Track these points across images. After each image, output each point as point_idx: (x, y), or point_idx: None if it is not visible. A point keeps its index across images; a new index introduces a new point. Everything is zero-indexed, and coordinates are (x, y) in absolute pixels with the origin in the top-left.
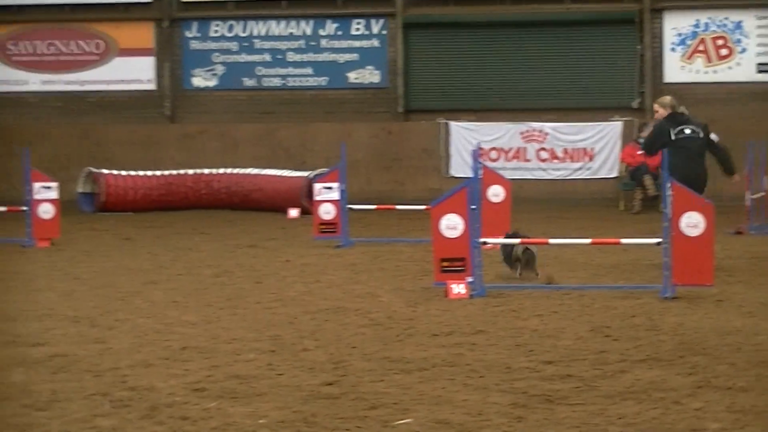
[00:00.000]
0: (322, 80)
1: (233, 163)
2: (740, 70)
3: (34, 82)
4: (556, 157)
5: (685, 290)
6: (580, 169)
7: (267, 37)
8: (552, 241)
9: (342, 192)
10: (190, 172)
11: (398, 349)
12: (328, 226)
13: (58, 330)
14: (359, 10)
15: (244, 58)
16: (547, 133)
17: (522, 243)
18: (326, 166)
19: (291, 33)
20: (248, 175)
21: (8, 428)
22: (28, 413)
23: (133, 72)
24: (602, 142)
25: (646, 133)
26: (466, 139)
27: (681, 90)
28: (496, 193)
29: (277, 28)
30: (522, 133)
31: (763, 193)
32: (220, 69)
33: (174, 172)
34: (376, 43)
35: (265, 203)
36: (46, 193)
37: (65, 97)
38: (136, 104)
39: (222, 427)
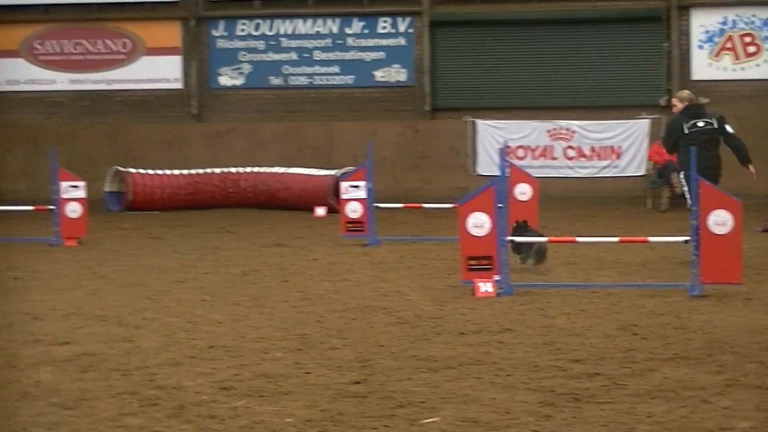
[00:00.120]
0: (349, 79)
1: (260, 162)
2: None
3: (62, 81)
4: (584, 155)
5: (713, 288)
6: (607, 167)
7: (293, 36)
8: (579, 239)
9: (369, 190)
10: (217, 170)
11: (426, 347)
12: (355, 225)
13: (86, 329)
14: (386, 9)
15: (271, 56)
16: (574, 131)
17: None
18: (353, 164)
19: (317, 31)
20: (275, 173)
21: (36, 427)
22: (56, 412)
23: (160, 71)
24: (629, 140)
25: None
26: (493, 137)
27: (708, 87)
28: (523, 192)
29: (303, 26)
30: (549, 131)
31: None
32: (246, 68)
33: (201, 171)
34: (402, 41)
35: (292, 202)
36: (73, 192)
37: (92, 97)
38: (163, 103)
39: (250, 425)
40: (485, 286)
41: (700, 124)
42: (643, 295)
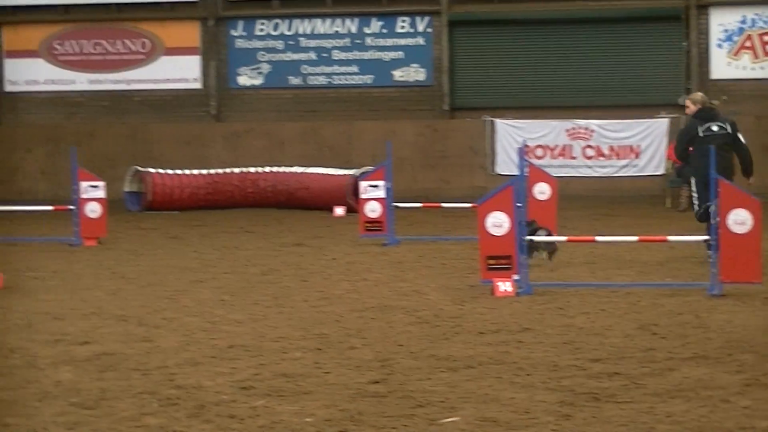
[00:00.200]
0: (368, 78)
1: (279, 162)
2: None
3: (81, 81)
4: (602, 155)
5: (732, 288)
6: (626, 166)
7: (312, 36)
8: (599, 238)
9: (388, 190)
10: (236, 170)
11: (445, 347)
12: (374, 224)
13: (106, 328)
14: (404, 8)
15: (290, 56)
16: (593, 131)
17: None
18: (372, 164)
19: (336, 31)
20: (294, 173)
21: (56, 426)
22: (77, 411)
23: (179, 71)
24: (648, 139)
25: None
26: (512, 136)
27: (728, 86)
28: (542, 191)
29: (322, 26)
30: (568, 131)
31: None
32: (265, 67)
33: (220, 170)
34: (421, 41)
35: (311, 201)
36: (93, 192)
37: (112, 97)
38: (182, 103)
39: (269, 425)
40: (504, 286)
41: (714, 128)
42: (663, 295)
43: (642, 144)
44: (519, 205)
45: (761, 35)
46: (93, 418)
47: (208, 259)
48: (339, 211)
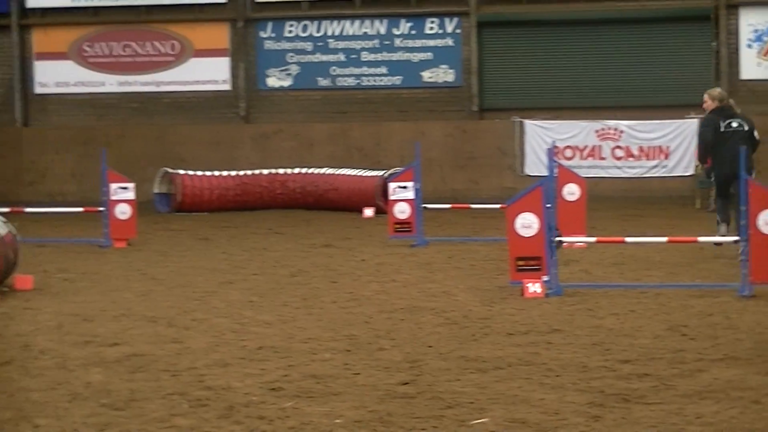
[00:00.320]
0: (396, 79)
1: (308, 163)
2: None
3: (111, 83)
4: (632, 155)
5: (763, 288)
6: (655, 167)
7: (341, 37)
8: (628, 239)
9: (417, 191)
10: (265, 172)
11: (474, 348)
12: (403, 226)
13: (136, 330)
14: (433, 9)
15: (319, 57)
16: (622, 131)
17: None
18: (401, 165)
19: (365, 32)
20: (323, 174)
21: (87, 427)
22: (107, 412)
23: (208, 72)
24: (678, 140)
25: None
26: (541, 137)
27: (757, 87)
28: (571, 192)
29: (351, 27)
30: (597, 131)
31: None
32: (294, 69)
33: (249, 172)
34: (450, 41)
35: (340, 203)
36: (122, 194)
37: (141, 98)
38: (211, 105)
39: (299, 426)
40: (534, 287)
41: (734, 124)
42: (692, 296)
43: (671, 145)
44: (548, 206)
45: None
46: (123, 419)
47: (237, 261)
48: (368, 212)
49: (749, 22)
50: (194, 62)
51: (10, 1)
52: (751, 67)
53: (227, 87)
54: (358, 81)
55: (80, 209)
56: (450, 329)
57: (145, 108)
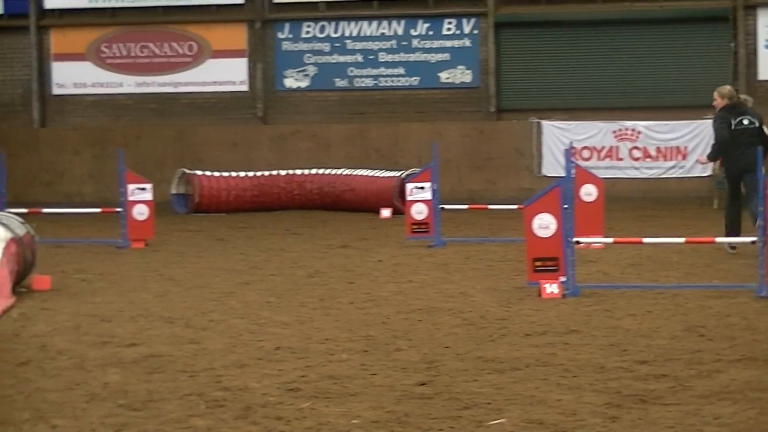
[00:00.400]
0: (414, 80)
1: (325, 164)
2: None
3: (128, 84)
4: (649, 156)
5: None
6: (673, 167)
7: (358, 38)
8: (645, 240)
9: (434, 192)
10: (283, 172)
11: (491, 348)
12: (421, 226)
13: (153, 330)
14: (451, 10)
15: (336, 58)
16: (639, 132)
17: None
18: (418, 166)
19: (382, 33)
20: (340, 175)
21: (104, 428)
22: (124, 413)
23: (225, 73)
24: (695, 141)
25: None
26: (558, 138)
27: None
28: (588, 193)
29: (368, 28)
30: (614, 132)
31: None
32: (311, 70)
33: (266, 172)
34: (467, 42)
35: (357, 203)
36: (140, 195)
37: (159, 99)
38: (228, 105)
39: (316, 427)
40: (551, 288)
41: (745, 122)
42: (710, 296)
43: (689, 145)
44: (566, 206)
45: None
46: (140, 419)
47: (255, 261)
48: (385, 212)
49: (767, 23)
50: (212, 63)
51: (29, 2)
52: None
53: (245, 88)
54: (375, 82)
55: (98, 210)
56: (467, 330)
57: (162, 109)
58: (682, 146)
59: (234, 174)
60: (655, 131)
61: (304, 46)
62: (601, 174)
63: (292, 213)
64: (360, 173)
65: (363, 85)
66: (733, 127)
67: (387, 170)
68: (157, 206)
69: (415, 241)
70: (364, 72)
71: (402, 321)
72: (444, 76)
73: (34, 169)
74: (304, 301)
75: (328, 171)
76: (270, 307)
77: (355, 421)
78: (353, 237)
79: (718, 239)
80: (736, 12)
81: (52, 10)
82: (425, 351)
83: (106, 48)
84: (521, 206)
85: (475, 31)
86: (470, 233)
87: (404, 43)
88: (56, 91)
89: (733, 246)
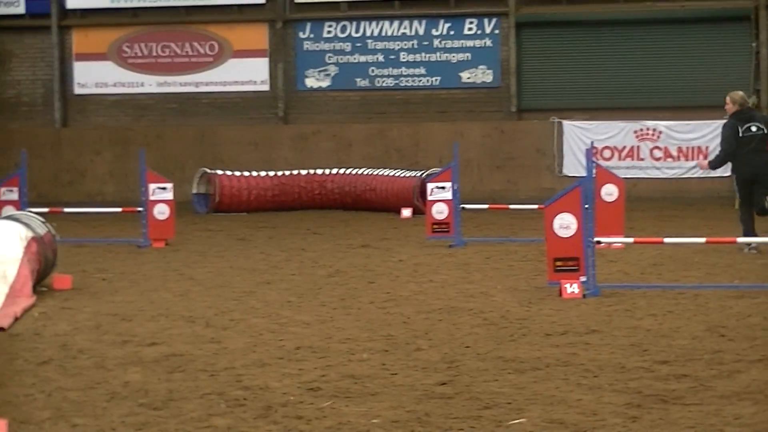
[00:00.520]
0: (435, 80)
1: (346, 164)
2: None
3: (150, 83)
4: (670, 156)
5: None
6: (694, 167)
7: (380, 38)
8: (667, 240)
9: (455, 191)
10: (303, 172)
11: (512, 348)
12: (441, 226)
13: (174, 330)
14: (472, 10)
15: (357, 58)
16: (660, 132)
17: None
18: (439, 165)
19: (404, 33)
20: (361, 175)
21: (125, 427)
22: (145, 412)
23: (246, 73)
24: (717, 141)
25: None
26: (579, 138)
27: None
28: (609, 192)
29: (389, 28)
30: (635, 132)
31: None
32: (333, 69)
33: (287, 172)
34: (488, 42)
35: (378, 203)
36: (161, 194)
37: (180, 99)
38: (249, 105)
39: (336, 426)
40: (571, 288)
41: (753, 128)
42: (731, 296)
43: (710, 145)
44: (586, 206)
45: None
46: (161, 418)
47: (275, 261)
48: (406, 212)
49: None
50: (233, 63)
51: (51, 2)
52: None
53: (266, 88)
54: (396, 81)
55: (119, 209)
56: (488, 330)
57: (183, 108)
58: (703, 146)
59: (255, 173)
60: (676, 131)
61: (326, 46)
62: (622, 174)
63: (313, 213)
64: (381, 173)
65: (384, 84)
66: (741, 134)
67: (408, 170)
68: (178, 206)
69: (435, 240)
70: (385, 72)
71: (422, 321)
72: (465, 76)
73: (56, 168)
74: (324, 300)
75: (348, 171)
76: (290, 306)
77: (375, 421)
78: (374, 237)
79: (740, 239)
80: (758, 11)
81: (74, 10)
82: (446, 351)
83: (127, 48)
84: (542, 206)
85: (496, 31)
86: (491, 233)
87: (425, 43)
88: (78, 90)
89: (753, 246)
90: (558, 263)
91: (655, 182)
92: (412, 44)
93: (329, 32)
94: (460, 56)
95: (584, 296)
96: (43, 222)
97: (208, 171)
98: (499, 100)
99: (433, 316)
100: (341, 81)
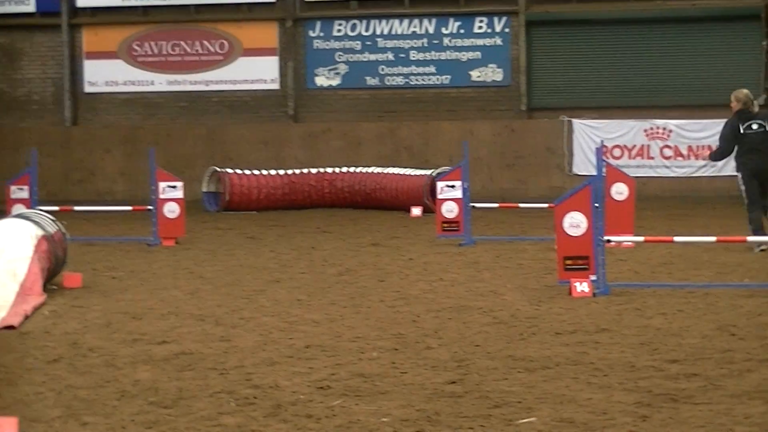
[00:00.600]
0: (445, 78)
1: (356, 162)
2: None
3: (160, 82)
4: (680, 155)
5: None
6: (704, 166)
7: (390, 36)
8: (677, 238)
9: (464, 190)
10: (313, 171)
11: (522, 347)
12: (451, 225)
13: (184, 328)
14: (482, 9)
15: (367, 57)
16: (671, 130)
17: None
18: (449, 164)
19: (414, 32)
20: (371, 173)
21: (135, 425)
22: (155, 410)
23: (256, 72)
24: None
25: None
26: (589, 136)
27: None
28: (619, 191)
29: (399, 26)
30: (646, 131)
31: None
32: (343, 68)
33: (297, 171)
34: (498, 41)
35: (388, 202)
36: (171, 193)
37: (190, 97)
38: (259, 104)
39: (346, 425)
40: (581, 286)
41: (754, 126)
42: (741, 295)
43: None
44: (596, 205)
45: None
46: (171, 417)
47: (285, 259)
48: (416, 211)
49: None
50: (243, 61)
51: (61, 1)
52: None
53: (276, 86)
54: (406, 80)
55: (129, 208)
56: (497, 328)
57: (193, 107)
58: (713, 145)
59: (265, 172)
60: (686, 130)
61: (336, 45)
62: (632, 173)
63: (323, 211)
64: (391, 171)
65: (394, 83)
66: (741, 132)
67: (418, 168)
68: (188, 204)
69: (445, 239)
70: (395, 70)
71: (432, 319)
72: (475, 75)
73: (66, 167)
74: (334, 299)
75: (358, 169)
76: (300, 305)
77: (385, 420)
78: (384, 235)
79: (750, 238)
80: None
81: (84, 9)
82: (455, 349)
83: (137, 46)
84: (552, 205)
85: (507, 30)
86: (501, 232)
87: (435, 42)
88: (88, 89)
89: (764, 248)
90: (568, 262)
91: (665, 181)
92: (422, 43)
93: (339, 31)
94: (470, 55)
95: (594, 295)
96: (53, 220)
97: (219, 169)
98: (509, 99)
99: (442, 315)
100: (351, 79)
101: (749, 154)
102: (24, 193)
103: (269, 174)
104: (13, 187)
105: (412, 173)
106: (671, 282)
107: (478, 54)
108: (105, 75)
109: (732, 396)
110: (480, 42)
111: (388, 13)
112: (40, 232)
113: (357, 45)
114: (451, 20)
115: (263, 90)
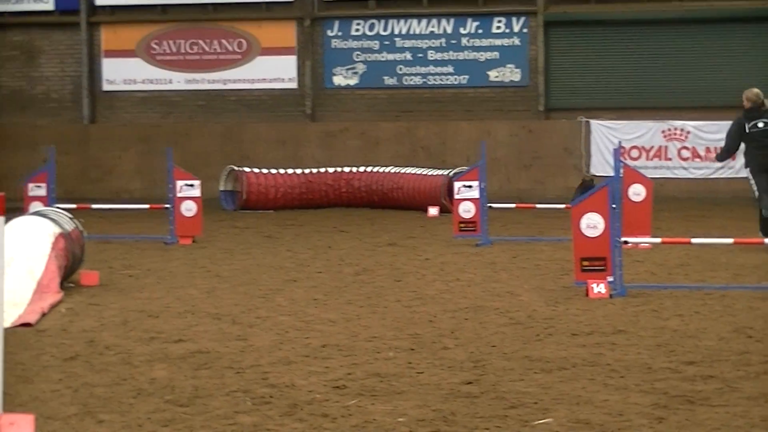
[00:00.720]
0: (463, 79)
1: (373, 162)
2: None
3: (178, 81)
4: (698, 156)
5: None
6: (722, 167)
7: (408, 36)
8: (694, 240)
9: (482, 190)
10: (331, 170)
11: (538, 348)
12: (468, 225)
13: (200, 327)
14: (500, 9)
15: (385, 56)
16: (688, 132)
17: None
18: (466, 164)
19: (432, 31)
20: (388, 173)
21: (151, 423)
22: (171, 409)
23: (274, 71)
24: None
25: None
26: (607, 137)
27: None
28: (637, 192)
29: (417, 26)
30: (663, 132)
31: None
32: (360, 68)
33: (314, 170)
34: (516, 41)
35: (405, 202)
36: (188, 191)
37: (208, 96)
38: (277, 103)
39: (362, 424)
40: (598, 287)
41: (760, 124)
42: (758, 298)
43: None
44: (614, 206)
45: None
46: (187, 415)
47: (302, 259)
48: (433, 211)
49: None
50: (261, 60)
51: None
52: None
53: (294, 85)
54: (424, 80)
55: (146, 206)
56: (514, 329)
57: (211, 106)
58: None
59: (282, 171)
60: (704, 131)
61: (354, 44)
62: (650, 174)
63: (340, 210)
64: (408, 171)
65: (412, 83)
66: (747, 131)
67: (435, 168)
68: (205, 203)
69: (462, 239)
70: (413, 70)
71: (449, 319)
72: (493, 75)
73: (84, 165)
74: (351, 298)
75: (376, 169)
76: (317, 304)
77: (401, 419)
78: (400, 235)
79: None
80: None
81: (103, 7)
82: (472, 350)
83: (156, 45)
84: (569, 205)
85: (525, 30)
86: (518, 232)
87: (453, 42)
88: (106, 87)
89: None
90: (585, 263)
91: (682, 182)
92: (440, 43)
93: (357, 30)
94: (488, 55)
95: (611, 296)
96: (70, 218)
97: (236, 168)
98: (526, 99)
99: (459, 315)
100: (369, 79)
101: (757, 151)
102: (41, 191)
103: (286, 173)
104: (30, 185)
105: (430, 173)
106: (688, 283)
107: (496, 54)
108: (123, 73)
109: (749, 398)
110: (498, 42)
111: (407, 13)
112: (57, 230)
113: (375, 45)
114: (470, 20)
115: (281, 89)
